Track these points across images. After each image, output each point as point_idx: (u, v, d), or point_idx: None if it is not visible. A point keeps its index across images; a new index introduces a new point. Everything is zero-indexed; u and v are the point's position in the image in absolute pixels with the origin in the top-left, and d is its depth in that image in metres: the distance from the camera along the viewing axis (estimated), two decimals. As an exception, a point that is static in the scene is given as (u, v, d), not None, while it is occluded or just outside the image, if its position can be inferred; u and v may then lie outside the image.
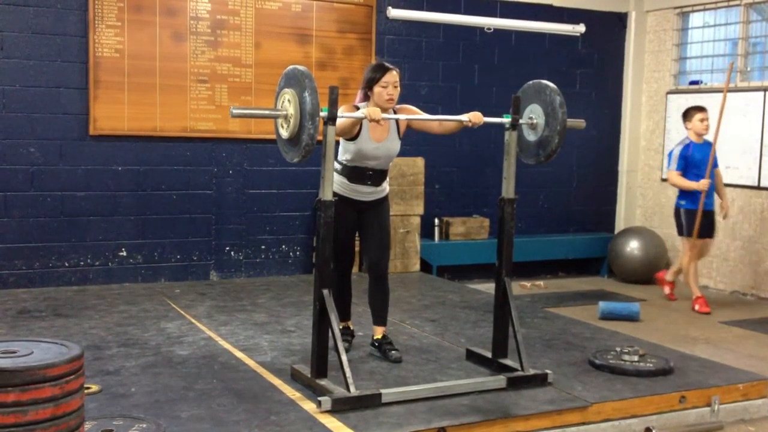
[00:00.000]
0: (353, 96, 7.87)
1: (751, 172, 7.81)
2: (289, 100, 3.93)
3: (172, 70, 6.93)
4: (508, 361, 4.51)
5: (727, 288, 8.09)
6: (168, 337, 5.17)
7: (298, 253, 7.57)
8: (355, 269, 7.56)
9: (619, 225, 9.11)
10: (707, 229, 7.17)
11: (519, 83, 4.74)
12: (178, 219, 7.11)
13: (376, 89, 4.44)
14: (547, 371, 4.40)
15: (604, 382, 4.43)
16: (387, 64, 4.52)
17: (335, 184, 4.38)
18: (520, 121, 4.53)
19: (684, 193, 7.16)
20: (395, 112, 4.59)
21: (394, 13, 7.73)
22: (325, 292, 4.04)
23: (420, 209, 7.71)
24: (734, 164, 7.99)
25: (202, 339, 5.14)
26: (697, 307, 7.08)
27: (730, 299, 7.83)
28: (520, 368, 4.37)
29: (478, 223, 8.17)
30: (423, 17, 7.89)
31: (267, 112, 4.20)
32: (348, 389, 3.91)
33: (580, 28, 8.53)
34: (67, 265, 6.73)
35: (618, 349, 4.82)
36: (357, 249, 5.02)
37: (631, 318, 6.64)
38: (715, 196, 7.19)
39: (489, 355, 4.63)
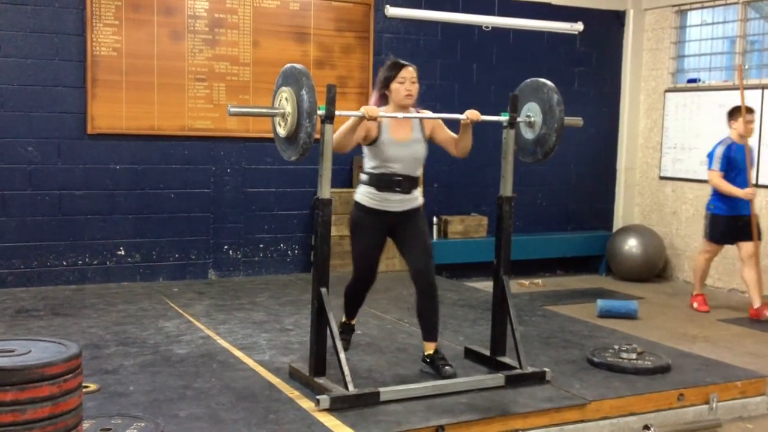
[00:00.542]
0: (351, 94, 7.93)
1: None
2: (286, 99, 3.93)
3: (170, 69, 6.93)
4: (506, 359, 4.51)
5: (725, 286, 8.09)
6: (166, 335, 5.16)
7: (296, 251, 7.57)
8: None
9: (618, 223, 9.11)
10: (741, 234, 6.82)
11: (517, 82, 4.74)
12: (176, 218, 7.11)
13: (394, 86, 4.27)
14: (546, 369, 4.41)
15: (602, 380, 4.44)
16: (403, 61, 4.36)
17: (363, 195, 4.33)
18: (518, 119, 4.53)
19: (719, 197, 6.87)
20: (420, 123, 4.38)
21: (392, 11, 7.73)
22: (323, 290, 4.04)
23: (418, 208, 7.70)
24: (732, 162, 7.98)
25: (200, 338, 5.14)
26: (695, 304, 7.08)
27: (729, 297, 7.83)
28: (518, 366, 4.37)
29: (476, 221, 8.17)
30: (421, 16, 7.89)
31: (264, 110, 4.20)
32: (346, 387, 3.91)
33: (579, 27, 8.53)
34: (65, 264, 6.72)
35: (616, 346, 4.82)
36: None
37: (630, 316, 6.65)
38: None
39: (487, 353, 4.63)
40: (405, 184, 4.31)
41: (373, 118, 4.08)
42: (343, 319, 4.79)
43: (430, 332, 4.44)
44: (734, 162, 6.82)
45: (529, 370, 4.36)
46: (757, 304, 6.77)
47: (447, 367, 4.34)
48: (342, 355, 3.96)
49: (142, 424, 3.42)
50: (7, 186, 6.50)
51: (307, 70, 3.96)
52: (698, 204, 8.37)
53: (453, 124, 4.50)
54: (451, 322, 5.71)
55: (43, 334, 4.93)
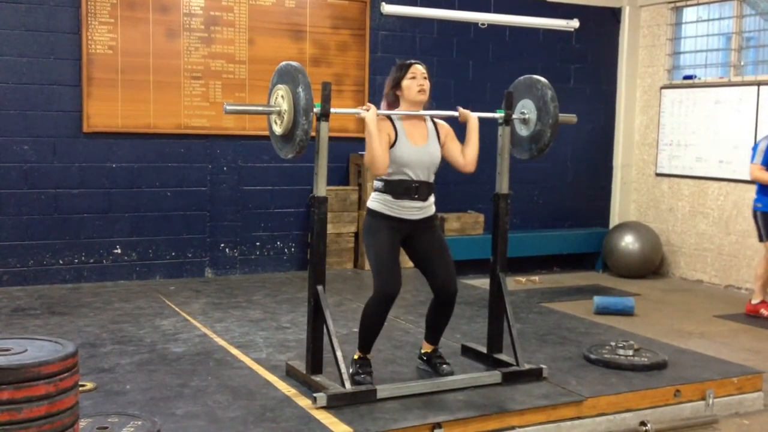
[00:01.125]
0: (347, 92, 7.93)
1: (745, 166, 7.80)
2: (282, 96, 3.92)
3: (165, 67, 6.92)
4: (503, 356, 4.52)
5: (721, 282, 8.11)
6: (163, 334, 5.16)
7: (293, 249, 7.57)
8: (349, 265, 7.64)
9: (614, 220, 9.12)
10: None
11: (513, 79, 4.74)
12: (173, 216, 7.10)
13: (405, 83, 4.11)
14: (542, 366, 4.41)
15: (598, 377, 4.44)
16: (410, 60, 4.21)
17: (377, 203, 4.13)
18: (513, 116, 4.54)
19: (763, 195, 6.72)
20: (435, 126, 4.25)
21: (387, 8, 7.72)
22: (320, 288, 4.04)
23: (415, 205, 7.70)
24: (728, 159, 8.01)
25: (197, 336, 5.14)
26: (765, 311, 6.70)
27: (725, 293, 7.84)
28: (515, 363, 4.38)
29: (472, 218, 8.17)
30: (417, 13, 7.89)
31: (260, 108, 4.19)
32: (343, 385, 3.91)
33: (574, 24, 8.53)
34: (61, 262, 6.71)
35: (613, 343, 4.83)
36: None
37: (626, 312, 6.65)
38: None
39: (484, 350, 4.64)
40: (422, 190, 4.14)
41: (366, 110, 4.05)
42: (356, 355, 4.23)
43: (434, 336, 4.43)
44: None
45: (526, 367, 4.37)
46: (756, 300, 6.76)
47: (445, 366, 4.34)
48: (339, 353, 3.95)
49: (139, 423, 3.42)
50: (2, 185, 6.49)
51: (303, 67, 3.96)
52: (694, 200, 8.40)
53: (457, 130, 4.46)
54: (448, 320, 5.71)
55: (40, 333, 4.92)
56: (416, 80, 4.13)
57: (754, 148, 6.85)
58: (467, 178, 8.20)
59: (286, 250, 7.54)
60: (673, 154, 8.63)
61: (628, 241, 8.37)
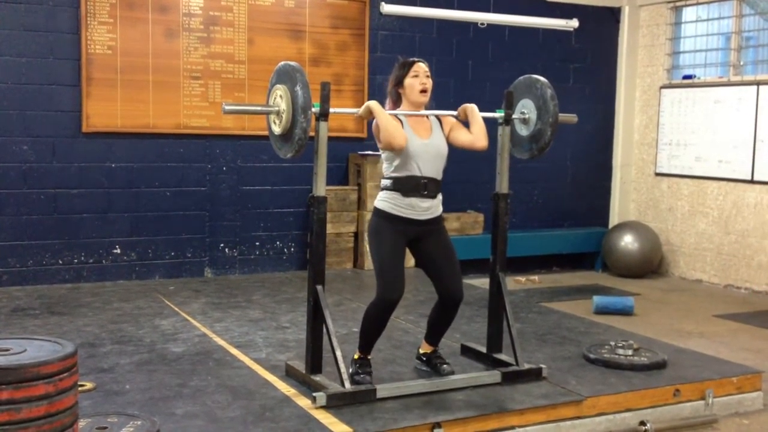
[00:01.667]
0: (347, 92, 7.92)
1: (744, 166, 7.83)
2: (281, 96, 3.92)
3: (164, 67, 6.92)
4: (502, 356, 4.52)
5: (720, 282, 8.11)
6: (162, 334, 5.16)
7: (292, 249, 7.56)
8: (349, 264, 7.64)
9: (613, 219, 9.12)
10: None
11: (512, 78, 4.74)
12: (172, 216, 7.10)
13: (407, 82, 4.11)
14: (542, 366, 4.41)
15: (598, 376, 4.44)
16: (413, 58, 4.24)
17: (385, 202, 4.08)
18: (513, 116, 4.54)
19: None
20: (439, 120, 4.24)
21: (387, 8, 7.70)
22: (319, 288, 4.04)
23: (414, 205, 7.70)
24: (727, 158, 8.01)
25: (196, 336, 5.14)
26: None
27: (724, 293, 7.84)
28: (514, 363, 4.38)
29: (472, 218, 8.18)
30: (416, 13, 7.88)
31: (259, 108, 4.20)
32: (343, 385, 3.91)
33: (574, 23, 8.52)
34: (60, 262, 6.71)
35: (612, 343, 4.83)
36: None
37: (626, 312, 6.65)
38: None
39: (484, 350, 4.64)
40: (431, 186, 4.08)
41: (369, 110, 4.06)
42: (357, 355, 4.23)
43: (435, 338, 4.42)
44: None
45: (526, 366, 4.37)
46: None
47: (445, 366, 4.33)
48: (338, 353, 3.95)
49: (139, 423, 3.41)
50: (2, 185, 6.49)
51: (301, 66, 3.96)
52: (693, 200, 8.40)
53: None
54: (448, 319, 5.71)
55: (39, 333, 4.92)
56: (419, 78, 4.13)
57: None
58: (467, 178, 8.25)
59: (285, 249, 7.54)
60: (672, 153, 8.64)
61: (628, 241, 8.37)
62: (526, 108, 4.56)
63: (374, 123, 4.10)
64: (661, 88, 8.75)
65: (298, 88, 3.83)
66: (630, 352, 4.69)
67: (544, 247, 8.57)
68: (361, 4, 7.65)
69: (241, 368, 4.46)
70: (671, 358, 4.77)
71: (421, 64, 4.17)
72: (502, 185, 4.55)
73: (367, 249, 7.41)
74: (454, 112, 4.34)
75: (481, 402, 3.99)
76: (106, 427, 3.34)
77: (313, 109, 3.89)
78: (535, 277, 8.25)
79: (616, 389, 4.24)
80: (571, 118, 4.68)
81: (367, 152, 7.53)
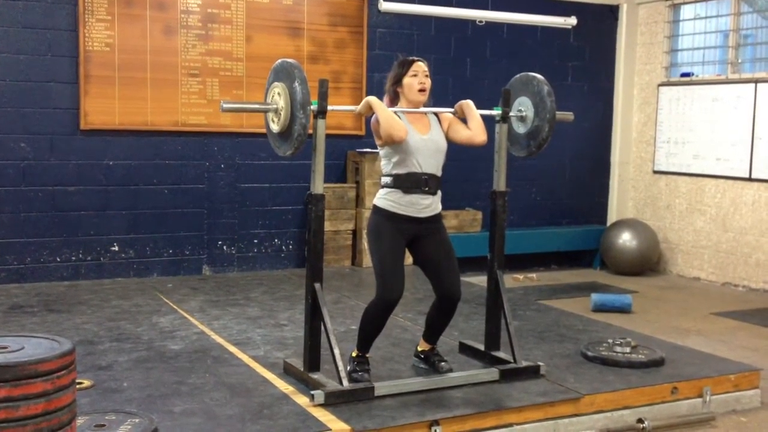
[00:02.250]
0: (345, 89, 7.91)
1: (742, 163, 7.83)
2: (279, 93, 3.92)
3: (163, 64, 6.91)
4: (500, 354, 4.52)
5: (718, 279, 8.12)
6: (160, 331, 5.16)
7: (290, 247, 7.56)
8: (347, 262, 7.64)
9: (612, 217, 9.13)
10: None
11: (510, 76, 4.73)
12: (170, 214, 7.09)
13: (406, 81, 4.11)
14: (540, 363, 4.41)
15: (596, 374, 4.44)
16: (412, 57, 4.19)
17: (386, 200, 4.08)
18: (510, 114, 4.53)
19: None
20: (437, 117, 4.25)
21: (385, 6, 7.71)
22: (317, 285, 4.04)
23: (412, 202, 7.70)
24: (725, 156, 8.01)
25: (194, 333, 5.14)
26: None
27: (722, 290, 7.85)
28: (512, 361, 4.38)
29: (470, 216, 8.18)
30: (415, 10, 7.88)
31: (257, 106, 4.19)
32: (341, 383, 3.91)
33: (572, 21, 8.53)
34: (58, 260, 6.71)
35: (610, 340, 4.83)
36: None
37: (624, 310, 6.66)
38: None
39: (482, 347, 4.64)
40: (432, 182, 4.08)
41: (369, 106, 4.06)
42: (355, 353, 4.24)
43: (434, 336, 4.42)
44: None
45: (524, 364, 4.37)
46: None
47: (443, 363, 4.33)
48: (336, 351, 3.95)
49: (137, 420, 3.41)
50: (0, 182, 6.50)
51: (298, 62, 3.95)
52: (691, 198, 8.40)
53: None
54: (446, 317, 5.71)
55: (37, 331, 4.92)
56: (417, 78, 4.13)
57: None
58: (465, 176, 8.25)
59: (283, 247, 7.54)
60: (670, 151, 8.64)
61: (626, 239, 8.38)
62: (523, 106, 4.56)
63: (373, 118, 4.09)
64: (659, 85, 8.75)
65: (296, 84, 3.83)
66: (628, 349, 4.69)
67: (542, 245, 8.58)
68: (359, 1, 7.65)
69: (239, 366, 4.46)
70: (669, 355, 4.77)
71: (420, 63, 4.16)
72: (500, 183, 4.55)
73: (365, 247, 7.44)
74: (452, 109, 4.34)
75: (479, 400, 4.00)
76: (103, 425, 3.34)
77: (312, 107, 3.89)
78: (533, 275, 8.25)
79: (614, 387, 4.25)
80: (567, 116, 4.67)
81: (365, 149, 7.53)
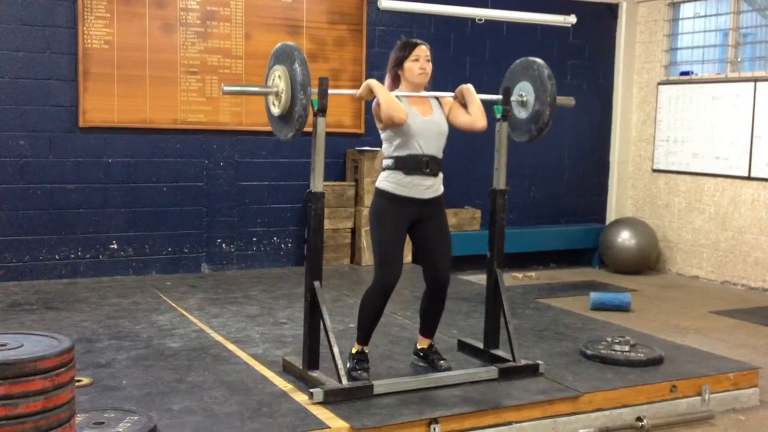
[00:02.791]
0: (344, 87, 7.88)
1: (742, 162, 7.83)
2: (279, 76, 3.94)
3: (162, 62, 6.90)
4: (499, 352, 4.52)
5: (717, 278, 8.12)
6: (159, 329, 5.16)
7: (289, 245, 7.56)
8: (346, 260, 7.63)
9: (611, 216, 9.13)
10: None
11: (510, 75, 4.74)
12: (169, 211, 7.09)
13: (407, 65, 4.13)
14: (539, 362, 4.41)
15: (595, 372, 4.44)
16: (415, 40, 4.22)
17: (388, 182, 4.10)
18: (511, 99, 4.54)
19: None
20: (438, 100, 4.29)
21: (385, 4, 7.69)
22: (317, 283, 4.03)
23: (411, 201, 7.69)
24: (724, 155, 8.01)
25: (193, 331, 5.14)
26: None
27: (721, 289, 7.86)
28: (511, 359, 4.38)
29: (469, 214, 8.18)
30: (414, 8, 7.87)
31: (258, 89, 4.26)
32: (340, 381, 3.91)
33: (572, 19, 8.52)
34: (57, 258, 6.70)
35: (609, 339, 4.83)
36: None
37: (623, 308, 6.66)
38: None
39: (481, 346, 4.64)
40: (432, 164, 4.10)
41: (369, 89, 4.08)
42: (355, 349, 4.26)
43: (429, 330, 4.42)
44: None
45: (523, 362, 4.37)
46: None
47: (442, 361, 4.33)
48: (335, 349, 3.95)
49: (135, 418, 3.41)
50: (-2, 180, 6.49)
51: (298, 45, 3.97)
52: (690, 196, 8.41)
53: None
54: (445, 315, 5.63)
55: (36, 328, 4.91)
56: (419, 63, 4.15)
57: None
58: (464, 174, 8.25)
59: (282, 245, 7.54)
60: (669, 150, 8.64)
61: (625, 237, 8.38)
62: (523, 90, 4.56)
63: (374, 102, 4.12)
64: (659, 84, 8.75)
65: (296, 65, 3.84)
66: (627, 348, 4.70)
67: (542, 244, 8.58)
68: (358, -1, 7.64)
69: (238, 364, 4.46)
70: (668, 354, 4.77)
71: (423, 46, 4.19)
72: (500, 181, 4.55)
73: (365, 245, 7.44)
74: (452, 94, 4.37)
75: (477, 398, 4.00)
76: (102, 423, 3.34)
77: (313, 91, 3.89)
78: (533, 274, 8.25)
79: (613, 385, 4.25)
80: (568, 100, 4.68)
81: (364, 148, 7.52)
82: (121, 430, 3.27)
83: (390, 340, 4.99)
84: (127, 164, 6.91)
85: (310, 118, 3.95)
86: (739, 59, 8.09)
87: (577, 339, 5.13)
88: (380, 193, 4.15)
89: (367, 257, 7.45)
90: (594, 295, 6.77)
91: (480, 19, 8.13)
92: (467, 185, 8.25)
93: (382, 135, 4.17)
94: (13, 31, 6.44)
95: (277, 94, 3.96)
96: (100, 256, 6.85)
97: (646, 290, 7.66)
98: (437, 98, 4.30)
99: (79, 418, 3.28)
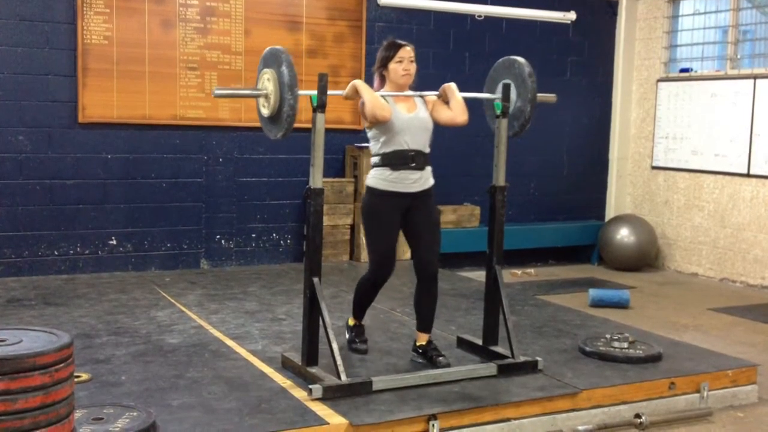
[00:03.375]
0: (344, 84, 7.81)
1: (741, 159, 7.84)
2: (268, 79, 4.01)
3: (161, 58, 6.90)
4: (498, 349, 4.52)
5: (716, 275, 8.13)
6: (158, 325, 5.16)
7: (288, 241, 7.56)
8: (345, 257, 7.63)
9: (610, 213, 9.13)
10: None
11: (509, 71, 4.74)
12: (168, 207, 7.09)
13: (391, 66, 4.28)
14: (538, 358, 4.42)
15: (594, 369, 4.45)
16: (400, 41, 4.37)
17: (376, 179, 4.24)
18: (493, 96, 4.60)
19: None
20: (423, 99, 4.42)
21: (384, 0, 7.70)
22: (316, 280, 4.04)
23: (411, 197, 7.69)
24: (723, 152, 8.01)
25: (192, 327, 5.14)
26: None
27: (720, 286, 7.86)
28: (510, 355, 4.39)
29: (468, 211, 8.18)
30: (413, 4, 7.87)
31: (248, 91, 4.36)
32: (339, 377, 3.91)
33: (571, 16, 8.52)
34: (56, 253, 6.70)
35: (608, 336, 4.84)
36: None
37: (621, 305, 6.67)
38: None
39: (480, 342, 4.64)
40: (418, 158, 4.23)
41: (355, 89, 4.20)
42: (351, 322, 4.68)
43: (425, 323, 4.44)
44: None
45: (522, 359, 4.38)
46: None
47: (440, 358, 4.34)
48: (334, 345, 3.96)
49: (135, 414, 3.41)
50: (-3, 175, 6.48)
51: (285, 48, 4.05)
52: (689, 194, 8.41)
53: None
54: (444, 312, 5.71)
55: (35, 324, 4.91)
56: (402, 65, 4.29)
57: None
58: (463, 171, 8.24)
59: (281, 241, 7.54)
60: (669, 147, 8.64)
61: (624, 234, 8.39)
62: None
63: (360, 101, 4.23)
64: (658, 81, 8.75)
65: (283, 67, 3.90)
66: (625, 345, 4.70)
67: (541, 240, 8.58)
68: (358, -5, 7.63)
69: (237, 360, 4.47)
70: (666, 351, 4.78)
71: (407, 48, 4.33)
72: (500, 178, 4.55)
73: (363, 242, 7.43)
74: (436, 92, 4.45)
75: (476, 394, 4.00)
76: (101, 418, 3.34)
77: (306, 93, 3.94)
78: (532, 270, 8.26)
79: (612, 382, 4.25)
80: (549, 97, 4.77)
81: (363, 144, 7.51)
82: (120, 425, 3.27)
83: (389, 336, 5.00)
84: (126, 160, 6.90)
85: (306, 115, 4.00)
86: (738, 56, 8.08)
87: (576, 336, 5.14)
88: (370, 191, 4.30)
89: (366, 254, 7.44)
90: (593, 292, 6.78)
91: (479, 16, 8.13)
92: (466, 182, 8.25)
93: (369, 134, 4.31)
94: (12, 26, 6.44)
95: (266, 96, 4.03)
96: (99, 252, 6.85)
97: (645, 287, 7.67)
98: (422, 97, 4.42)
99: (78, 414, 3.28)
